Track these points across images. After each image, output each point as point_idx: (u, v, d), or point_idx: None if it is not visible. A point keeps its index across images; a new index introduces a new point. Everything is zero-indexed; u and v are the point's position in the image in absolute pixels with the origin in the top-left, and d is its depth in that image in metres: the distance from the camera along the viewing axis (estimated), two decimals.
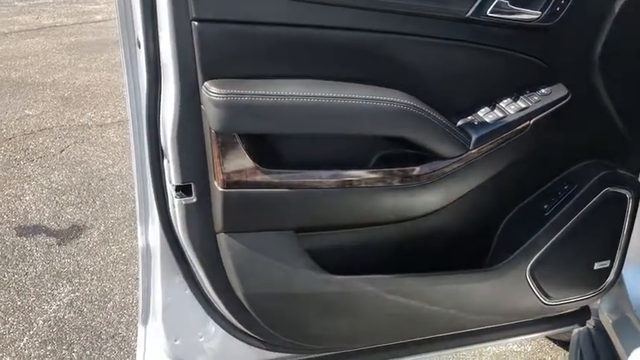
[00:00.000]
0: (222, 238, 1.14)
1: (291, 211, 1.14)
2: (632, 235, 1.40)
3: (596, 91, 1.25)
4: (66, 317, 2.15)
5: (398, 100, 1.09)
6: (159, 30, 1.05)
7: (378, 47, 1.11)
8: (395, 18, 1.10)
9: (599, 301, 1.57)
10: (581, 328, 1.60)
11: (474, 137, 1.18)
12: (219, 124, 1.03)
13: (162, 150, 1.14)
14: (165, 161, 1.14)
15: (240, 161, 1.07)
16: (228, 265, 1.16)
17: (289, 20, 1.04)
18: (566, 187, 1.31)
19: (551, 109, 1.21)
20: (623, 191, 1.33)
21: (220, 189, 1.08)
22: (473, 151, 1.19)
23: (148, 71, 1.09)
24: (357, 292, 1.24)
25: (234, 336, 1.32)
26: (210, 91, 1.01)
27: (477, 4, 1.11)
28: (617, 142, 1.33)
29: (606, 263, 1.39)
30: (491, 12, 1.12)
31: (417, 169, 1.18)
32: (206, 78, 1.03)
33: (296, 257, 1.18)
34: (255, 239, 1.14)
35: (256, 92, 1.02)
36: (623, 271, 1.48)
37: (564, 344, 1.97)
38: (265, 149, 1.12)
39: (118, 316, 2.16)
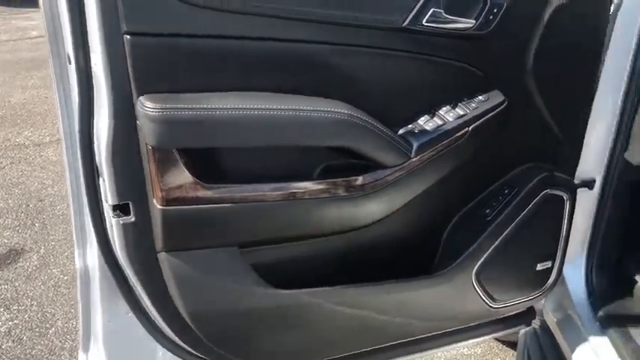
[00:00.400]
0: (163, 258, 1.10)
1: (235, 226, 1.12)
2: (571, 235, 1.45)
3: (531, 97, 1.29)
4: (4, 347, 2.04)
5: (339, 110, 1.09)
6: (90, 44, 1.01)
7: (318, 58, 1.11)
8: (333, 29, 1.10)
9: (543, 301, 1.61)
10: (528, 329, 1.63)
11: (415, 145, 1.19)
12: (156, 139, 1.00)
13: (97, 168, 1.10)
14: (100, 180, 1.10)
15: (180, 177, 1.04)
16: (172, 285, 1.12)
17: (225, 32, 1.02)
18: (506, 191, 1.34)
19: (488, 116, 1.24)
20: (561, 193, 1.37)
21: (159, 207, 1.05)
22: (414, 159, 1.20)
23: (80, 87, 1.05)
24: (305, 305, 1.22)
25: (181, 358, 1.27)
26: (146, 106, 0.98)
27: (412, 13, 1.12)
28: (553, 145, 1.37)
29: (548, 264, 1.43)
30: (426, 21, 1.13)
31: (360, 179, 1.18)
32: (141, 92, 1.00)
33: (241, 273, 1.15)
34: (198, 257, 1.11)
35: (194, 106, 1.00)
36: (564, 271, 1.52)
37: (513, 345, 2.01)
38: (206, 164, 1.09)
39: (60, 342, 2.06)
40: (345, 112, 1.10)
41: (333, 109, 1.09)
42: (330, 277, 1.25)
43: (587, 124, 1.41)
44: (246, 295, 1.16)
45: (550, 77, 1.28)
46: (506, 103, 1.25)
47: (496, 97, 1.25)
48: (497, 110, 1.24)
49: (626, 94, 1.45)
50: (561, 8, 1.22)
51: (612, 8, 1.43)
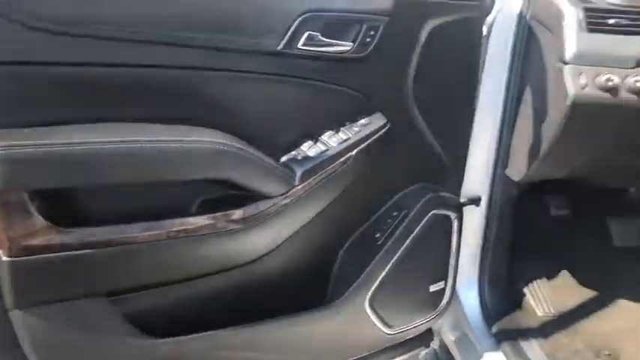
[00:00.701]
0: (16, 316, 0.96)
1: (101, 273, 1.00)
2: (462, 253, 1.45)
3: (413, 118, 1.28)
4: None
5: (213, 140, 1.02)
6: None
7: (188, 85, 1.03)
8: (205, 53, 1.03)
9: (440, 321, 1.61)
10: (427, 350, 1.62)
11: (298, 173, 1.14)
12: None
13: None
14: None
15: (31, 223, 0.91)
16: (29, 347, 0.98)
17: (77, 59, 0.92)
18: (395, 214, 1.32)
19: (371, 139, 1.21)
20: (448, 212, 1.36)
21: (6, 258, 0.91)
22: (298, 187, 1.14)
23: None
24: (190, 353, 1.12)
25: None
26: None
27: (287, 37, 1.08)
28: (438, 165, 1.38)
29: (441, 284, 1.42)
30: (303, 45, 1.09)
31: (242, 212, 1.11)
32: None
33: (112, 325, 1.03)
34: (60, 311, 0.98)
35: (42, 142, 0.88)
36: (458, 289, 1.53)
37: None
38: (63, 206, 0.97)
39: None
40: (221, 141, 1.02)
41: (207, 139, 1.01)
42: (217, 320, 1.16)
43: (469, 143, 1.44)
44: (119, 348, 1.04)
45: (430, 98, 1.28)
46: (388, 125, 1.23)
47: (378, 120, 1.23)
48: (380, 133, 1.22)
49: (504, 112, 1.50)
50: (436, 31, 1.23)
51: (485, 30, 1.48)
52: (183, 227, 1.06)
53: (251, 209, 1.11)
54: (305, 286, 1.29)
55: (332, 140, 1.18)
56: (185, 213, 1.08)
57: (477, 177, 1.52)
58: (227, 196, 1.12)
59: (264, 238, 1.16)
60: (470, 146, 1.44)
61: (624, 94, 1.29)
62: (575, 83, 1.29)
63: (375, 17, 1.15)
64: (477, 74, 1.40)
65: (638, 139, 1.42)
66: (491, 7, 1.41)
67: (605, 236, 1.88)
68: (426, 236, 1.33)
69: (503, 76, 1.47)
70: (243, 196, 1.12)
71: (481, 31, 1.38)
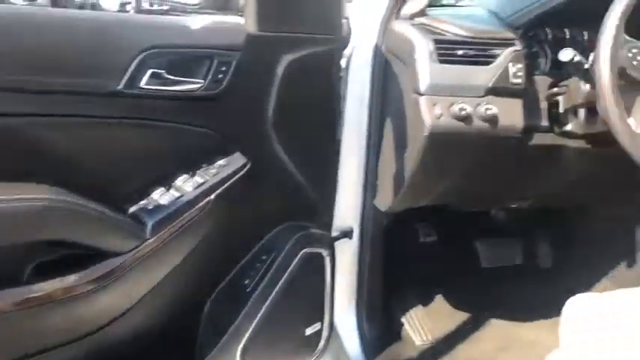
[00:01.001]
0: None
1: None
2: (338, 289, 1.41)
3: (275, 155, 1.23)
4: None
5: (37, 196, 0.89)
6: None
7: (9, 134, 0.90)
8: (30, 98, 0.91)
9: None
10: None
11: (149, 224, 1.04)
12: None
13: None
14: None
15: None
16: None
17: None
18: (264, 257, 1.25)
19: (231, 180, 1.14)
20: (319, 250, 1.31)
21: None
22: (150, 240, 1.04)
23: None
24: None
25: None
26: None
27: (127, 76, 0.99)
28: (305, 201, 1.33)
29: (317, 326, 1.36)
30: (146, 84, 1.01)
31: (87, 273, 0.98)
32: None
33: None
34: None
35: None
36: (337, 326, 1.48)
37: None
38: None
39: None
40: (47, 197, 0.90)
41: (31, 196, 0.89)
42: None
43: (337, 176, 1.41)
44: None
45: (292, 134, 1.24)
46: (249, 165, 1.17)
47: (237, 160, 1.16)
48: (240, 174, 1.15)
49: (367, 144, 1.49)
50: (293, 65, 1.19)
51: (344, 63, 1.48)
52: (13, 299, 0.91)
53: (98, 269, 0.99)
54: (171, 345, 1.17)
55: (187, 185, 1.10)
56: (15, 282, 0.93)
57: (347, 209, 1.49)
58: (68, 257, 0.99)
59: (116, 300, 1.04)
60: (338, 179, 1.41)
61: (477, 122, 1.33)
62: (430, 113, 1.31)
63: (226, 52, 1.09)
64: (337, 107, 1.38)
65: (493, 166, 1.47)
66: (348, 41, 1.41)
67: (473, 259, 1.94)
68: (298, 277, 1.27)
69: (364, 108, 1.47)
70: (87, 255, 0.99)
71: (339, 64, 1.37)
